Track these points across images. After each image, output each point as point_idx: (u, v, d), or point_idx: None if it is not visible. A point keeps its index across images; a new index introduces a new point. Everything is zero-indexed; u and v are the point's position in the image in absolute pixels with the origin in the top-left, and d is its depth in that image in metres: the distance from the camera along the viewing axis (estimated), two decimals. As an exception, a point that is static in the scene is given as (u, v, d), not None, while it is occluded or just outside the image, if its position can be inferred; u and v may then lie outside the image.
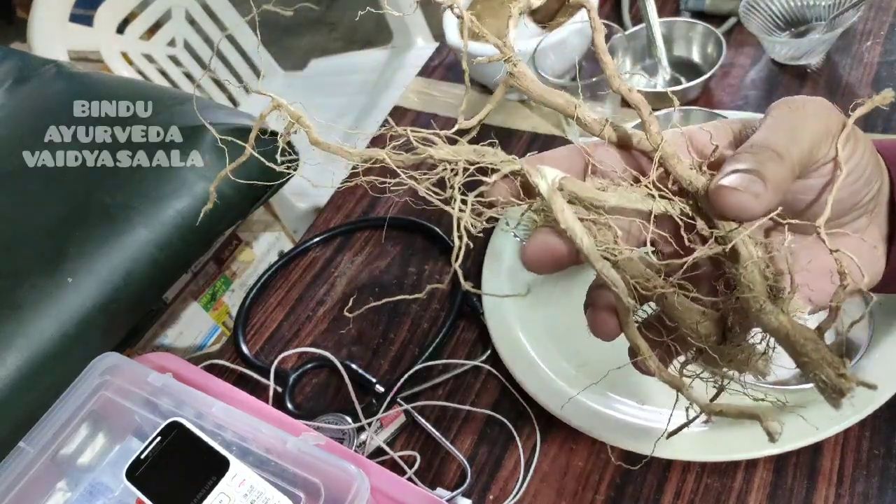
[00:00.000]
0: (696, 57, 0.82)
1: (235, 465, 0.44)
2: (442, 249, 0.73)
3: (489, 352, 0.63)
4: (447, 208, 0.30)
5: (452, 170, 0.30)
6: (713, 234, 0.30)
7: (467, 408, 0.61)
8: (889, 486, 0.49)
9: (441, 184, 0.30)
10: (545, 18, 0.86)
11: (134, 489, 0.44)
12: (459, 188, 0.30)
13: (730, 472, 0.52)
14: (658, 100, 0.78)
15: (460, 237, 0.29)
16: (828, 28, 0.76)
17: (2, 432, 0.64)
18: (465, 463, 0.57)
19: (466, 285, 0.30)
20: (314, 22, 2.55)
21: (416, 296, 0.35)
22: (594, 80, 0.72)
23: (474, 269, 0.70)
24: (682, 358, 0.33)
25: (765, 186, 0.29)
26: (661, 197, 0.31)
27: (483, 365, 0.63)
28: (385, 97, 1.36)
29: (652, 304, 0.31)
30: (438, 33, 1.33)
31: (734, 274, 0.29)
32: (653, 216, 0.30)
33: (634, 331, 0.31)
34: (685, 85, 0.76)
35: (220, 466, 0.44)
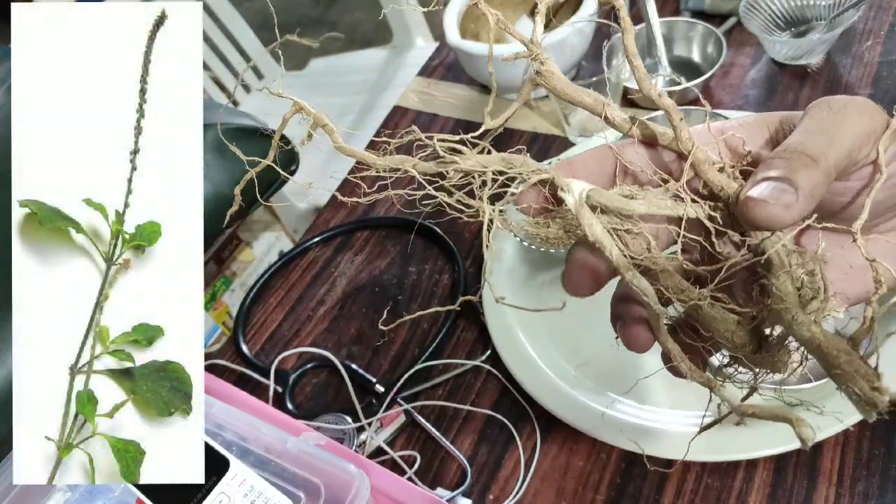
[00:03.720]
0: (696, 57, 0.82)
1: (235, 465, 0.44)
2: (441, 249, 0.73)
3: (489, 352, 0.63)
4: (474, 217, 0.30)
5: (482, 179, 0.30)
6: (745, 241, 0.29)
7: (467, 408, 0.61)
8: (889, 485, 0.49)
9: (463, 187, 0.30)
10: (545, 18, 0.86)
11: (134, 489, 0.44)
12: (489, 199, 0.30)
13: (730, 472, 0.52)
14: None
15: (488, 247, 0.29)
16: (828, 28, 0.76)
17: (2, 432, 0.64)
18: (465, 463, 0.57)
19: (499, 299, 0.30)
20: (314, 22, 2.55)
21: (450, 307, 0.35)
22: (594, 80, 0.72)
23: (474, 269, 0.70)
24: (717, 357, 0.32)
25: (796, 196, 0.28)
26: (692, 201, 0.30)
27: (483, 365, 0.63)
28: (385, 97, 1.36)
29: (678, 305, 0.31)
30: (438, 33, 1.33)
31: (767, 283, 0.29)
32: (684, 222, 0.30)
33: (666, 336, 0.31)
34: (685, 85, 0.76)
35: (220, 466, 0.44)
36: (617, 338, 0.34)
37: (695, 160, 0.30)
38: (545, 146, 0.78)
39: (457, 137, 0.30)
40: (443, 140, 0.30)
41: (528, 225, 0.31)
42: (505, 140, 0.78)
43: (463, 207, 0.30)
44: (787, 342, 0.29)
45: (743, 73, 0.80)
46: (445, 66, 0.95)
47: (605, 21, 0.77)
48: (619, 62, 0.75)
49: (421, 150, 0.30)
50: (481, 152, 0.31)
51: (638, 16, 0.87)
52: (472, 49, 0.79)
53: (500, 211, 0.30)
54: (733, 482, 0.52)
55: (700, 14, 0.87)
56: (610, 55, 0.75)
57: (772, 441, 0.50)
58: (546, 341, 0.62)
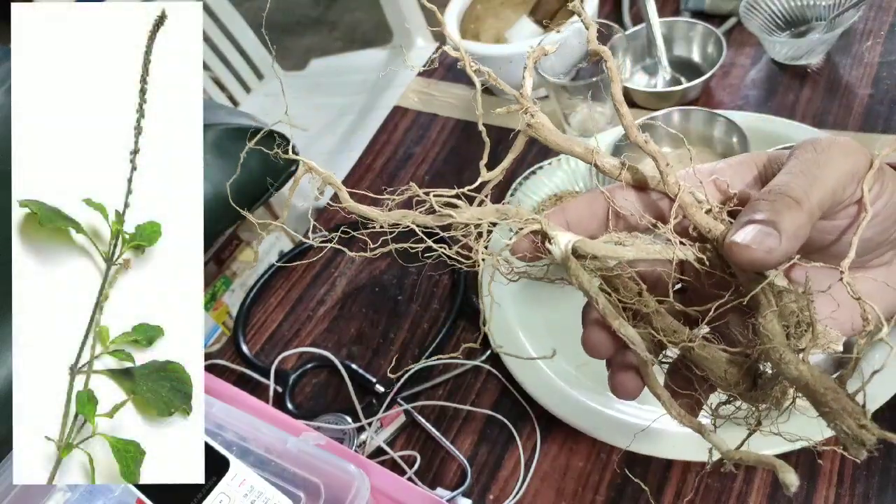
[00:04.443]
0: (696, 57, 0.82)
1: (235, 464, 0.44)
2: (438, 254, 0.73)
3: (489, 352, 0.63)
4: (472, 267, 0.31)
5: (478, 231, 0.31)
6: (732, 283, 0.30)
7: (467, 408, 0.61)
8: (889, 486, 0.49)
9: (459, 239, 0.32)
10: (545, 18, 0.86)
11: (134, 489, 0.44)
12: (484, 249, 0.31)
13: (730, 472, 0.52)
14: (659, 100, 0.78)
15: (488, 296, 0.31)
16: (828, 28, 0.76)
17: (2, 432, 0.64)
18: (465, 463, 0.57)
19: (497, 349, 0.30)
20: (314, 22, 2.55)
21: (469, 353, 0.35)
22: (594, 79, 0.72)
23: (473, 274, 0.70)
24: (714, 397, 0.33)
25: (779, 239, 0.28)
26: (681, 244, 0.31)
27: (483, 365, 0.63)
28: (385, 97, 1.35)
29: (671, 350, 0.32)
30: (438, 33, 1.33)
31: (755, 322, 0.29)
32: (673, 265, 0.31)
33: (656, 382, 0.32)
34: (685, 85, 0.76)
35: (220, 466, 0.44)
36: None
37: (682, 203, 0.31)
38: (545, 146, 0.78)
39: (452, 192, 0.32)
40: (439, 196, 0.32)
41: (526, 268, 0.33)
42: (505, 141, 0.78)
43: (462, 259, 0.32)
44: (779, 379, 0.30)
45: (743, 73, 0.80)
46: (445, 66, 0.95)
47: (604, 21, 0.77)
48: (620, 62, 0.75)
49: (420, 205, 0.32)
50: (479, 203, 0.32)
51: (638, 16, 0.87)
52: (472, 49, 0.79)
53: (490, 255, 0.32)
54: (733, 482, 0.52)
55: (700, 14, 0.87)
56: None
57: (772, 441, 0.50)
58: (546, 341, 0.62)
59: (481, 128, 0.33)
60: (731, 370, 0.30)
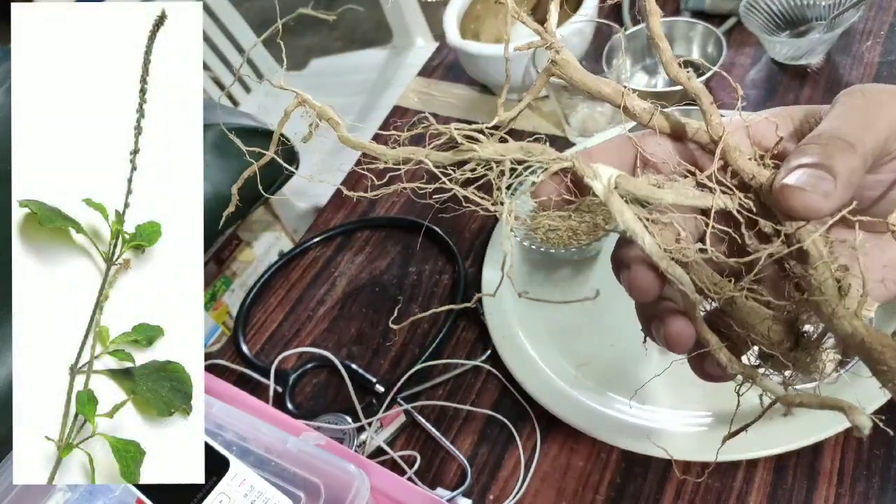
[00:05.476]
0: (696, 56, 0.82)
1: (235, 464, 0.44)
2: (442, 249, 0.73)
3: (489, 352, 0.63)
4: (492, 210, 0.28)
5: (499, 169, 0.29)
6: (779, 231, 0.28)
7: (467, 408, 0.61)
8: (889, 486, 0.49)
9: (471, 182, 0.29)
10: (545, 18, 0.86)
11: (134, 489, 0.44)
12: (506, 190, 0.29)
13: (730, 472, 0.52)
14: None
15: (508, 240, 0.28)
16: (828, 28, 0.76)
17: (2, 432, 0.64)
18: (466, 463, 0.57)
19: (522, 294, 0.28)
20: (314, 22, 2.55)
21: (463, 305, 0.34)
22: (594, 79, 0.72)
23: (475, 269, 0.70)
24: (749, 353, 0.31)
25: (834, 183, 0.26)
26: (722, 192, 0.29)
27: (483, 365, 0.63)
28: (385, 97, 1.36)
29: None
30: (438, 33, 1.33)
31: (803, 275, 0.27)
32: (713, 213, 0.28)
33: (704, 326, 0.29)
34: (685, 85, 0.76)
35: (221, 466, 0.44)
36: (644, 341, 0.32)
37: (725, 146, 0.29)
38: (544, 146, 0.78)
39: (475, 126, 0.29)
40: (459, 128, 0.29)
41: (547, 218, 0.30)
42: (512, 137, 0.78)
43: (479, 200, 0.29)
44: (824, 341, 0.28)
45: (743, 73, 0.80)
46: (445, 65, 0.95)
47: (604, 21, 0.77)
48: (619, 62, 0.75)
49: (434, 140, 0.29)
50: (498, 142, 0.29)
51: (638, 16, 0.87)
52: (472, 49, 0.79)
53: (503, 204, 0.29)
54: (733, 482, 0.52)
55: (700, 14, 0.87)
56: (610, 55, 0.75)
57: (772, 441, 0.50)
58: (546, 341, 0.62)
59: (505, 55, 0.29)
60: (774, 326, 0.28)
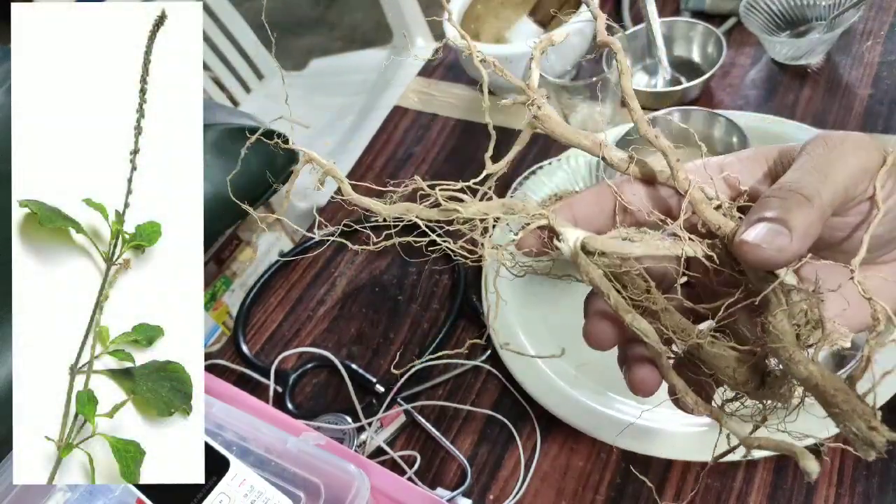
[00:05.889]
0: (696, 57, 0.82)
1: (235, 464, 0.44)
2: (442, 249, 0.73)
3: (489, 352, 0.63)
4: (478, 262, 0.31)
5: (484, 226, 0.31)
6: (742, 280, 0.30)
7: (467, 408, 0.61)
8: (889, 486, 0.49)
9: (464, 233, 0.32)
10: (545, 18, 0.86)
11: (134, 489, 0.44)
12: (490, 244, 0.31)
13: (730, 472, 0.52)
14: (659, 100, 0.78)
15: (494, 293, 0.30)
16: (828, 28, 0.76)
17: (2, 432, 0.64)
18: (466, 463, 0.57)
19: (504, 347, 0.30)
20: (314, 22, 2.55)
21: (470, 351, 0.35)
22: (594, 79, 0.72)
23: (474, 269, 0.70)
24: (723, 391, 0.33)
25: (790, 238, 0.28)
26: (690, 240, 0.30)
27: (483, 365, 0.63)
28: (385, 97, 1.35)
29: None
30: (438, 33, 1.33)
31: (763, 322, 0.29)
32: (682, 261, 0.30)
33: (671, 372, 0.31)
34: (685, 85, 0.76)
35: (221, 466, 0.44)
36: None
37: (692, 199, 0.31)
38: (545, 146, 0.78)
39: (458, 185, 0.31)
40: (444, 189, 0.31)
41: (532, 262, 0.32)
42: (506, 140, 0.78)
43: (466, 254, 0.31)
44: (788, 378, 0.29)
45: (743, 73, 0.80)
46: (445, 66, 0.95)
47: (605, 21, 0.77)
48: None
49: (424, 200, 0.31)
50: (482, 198, 0.32)
51: (638, 16, 0.87)
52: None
53: (496, 248, 0.31)
54: (733, 482, 0.52)
55: (700, 14, 0.87)
56: (610, 55, 0.75)
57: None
58: (546, 341, 0.62)
59: (488, 119, 0.32)
60: (739, 369, 0.30)
